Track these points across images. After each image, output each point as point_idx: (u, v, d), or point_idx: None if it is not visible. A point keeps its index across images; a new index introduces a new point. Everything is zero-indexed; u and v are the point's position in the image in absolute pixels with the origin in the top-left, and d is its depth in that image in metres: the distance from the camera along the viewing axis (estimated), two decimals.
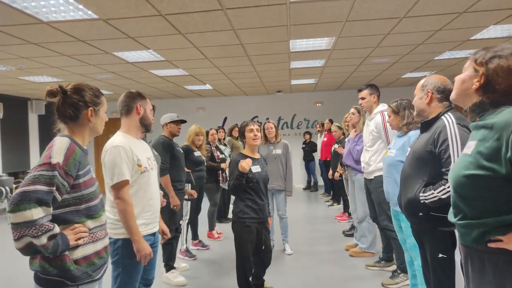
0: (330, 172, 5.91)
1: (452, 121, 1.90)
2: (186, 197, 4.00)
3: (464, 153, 1.32)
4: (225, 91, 9.22)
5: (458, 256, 1.96)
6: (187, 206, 4.19)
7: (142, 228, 2.03)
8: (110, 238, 2.00)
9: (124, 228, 1.97)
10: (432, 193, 1.86)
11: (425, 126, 2.06)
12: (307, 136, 9.19)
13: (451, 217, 1.39)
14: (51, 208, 1.36)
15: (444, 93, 2.01)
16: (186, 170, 4.17)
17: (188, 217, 4.21)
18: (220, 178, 5.01)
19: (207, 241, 4.85)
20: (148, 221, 2.11)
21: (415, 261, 2.65)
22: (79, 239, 1.44)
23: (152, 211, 2.13)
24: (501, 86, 1.26)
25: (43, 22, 3.65)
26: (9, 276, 3.92)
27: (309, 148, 9.02)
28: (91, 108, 1.55)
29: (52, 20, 3.62)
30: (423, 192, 1.91)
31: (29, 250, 1.32)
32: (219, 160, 5.02)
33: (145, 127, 2.19)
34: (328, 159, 6.85)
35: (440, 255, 1.93)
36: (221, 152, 5.26)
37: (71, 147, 1.45)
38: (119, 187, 1.95)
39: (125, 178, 1.96)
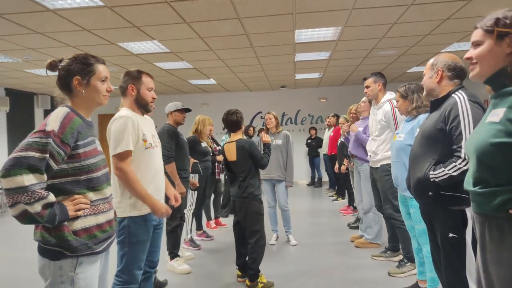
0: (336, 165, 5.87)
1: (464, 97, 1.85)
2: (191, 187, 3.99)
3: (489, 121, 1.26)
4: (229, 86, 9.21)
5: (469, 236, 1.93)
6: (193, 196, 4.17)
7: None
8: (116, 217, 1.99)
9: (134, 196, 1.96)
10: (443, 171, 1.82)
11: (435, 104, 2.02)
12: (313, 132, 9.16)
13: (468, 186, 1.34)
14: (45, 176, 1.33)
15: (454, 71, 1.97)
16: (194, 160, 4.15)
17: (193, 207, 4.20)
18: (217, 170, 4.98)
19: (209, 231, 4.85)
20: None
21: (423, 248, 2.62)
22: (79, 210, 1.42)
23: (157, 188, 2.11)
24: None
25: (49, 9, 3.65)
26: (12, 270, 3.92)
27: (315, 144, 8.98)
28: (76, 77, 1.50)
29: (58, 7, 3.62)
30: (433, 170, 1.87)
31: (25, 218, 1.30)
32: (216, 152, 4.98)
33: (141, 107, 2.13)
34: (334, 154, 6.81)
35: (451, 235, 1.89)
36: (218, 144, 5.23)
37: (68, 116, 1.42)
38: (122, 157, 1.92)
39: (129, 148, 1.94)
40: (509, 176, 1.20)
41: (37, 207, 1.28)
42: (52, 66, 1.51)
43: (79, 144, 1.43)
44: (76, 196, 1.43)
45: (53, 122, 1.38)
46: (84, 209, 1.43)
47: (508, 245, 1.19)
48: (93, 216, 1.47)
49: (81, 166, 1.44)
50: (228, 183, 5.29)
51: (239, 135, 3.16)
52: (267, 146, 3.26)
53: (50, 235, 1.38)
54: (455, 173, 1.79)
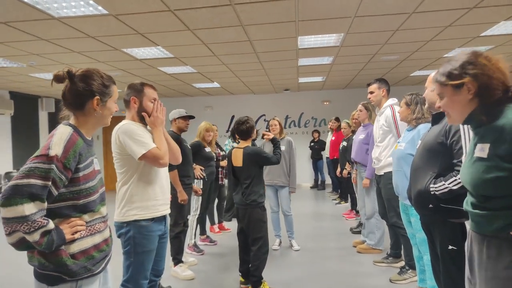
0: (338, 170, 5.89)
1: None
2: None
3: (478, 156, 1.30)
4: (233, 90, 9.24)
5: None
6: (198, 201, 4.21)
7: (153, 208, 2.05)
8: (122, 228, 2.02)
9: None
10: (443, 184, 1.85)
11: (437, 118, 2.05)
12: (316, 135, 9.18)
13: (468, 207, 1.37)
14: (45, 203, 1.28)
15: None
16: (200, 166, 4.19)
17: (198, 212, 4.23)
18: (220, 176, 5.00)
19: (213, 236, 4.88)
20: (160, 202, 2.11)
21: (424, 256, 2.64)
22: (75, 232, 1.38)
23: (161, 190, 2.14)
24: (497, 82, 1.28)
25: (54, 18, 3.70)
26: (10, 272, 3.95)
27: (318, 147, 9.01)
28: (97, 97, 1.45)
29: (63, 16, 3.67)
30: (434, 184, 1.89)
31: (22, 245, 1.29)
32: (220, 157, 5.00)
33: (143, 120, 2.14)
34: (336, 158, 6.83)
35: (450, 247, 1.92)
36: (221, 149, 5.26)
37: (72, 139, 1.37)
38: (149, 153, 1.95)
39: (151, 145, 1.98)
40: (506, 203, 1.23)
41: (36, 236, 1.25)
42: (60, 78, 1.44)
43: (79, 167, 1.39)
44: (73, 219, 1.39)
45: (57, 145, 1.32)
46: (80, 231, 1.40)
47: (506, 263, 1.23)
48: (90, 237, 1.43)
49: (79, 190, 1.39)
50: (231, 187, 5.31)
51: (248, 143, 3.22)
52: (275, 141, 3.26)
53: (48, 261, 1.33)
54: (455, 187, 1.81)
